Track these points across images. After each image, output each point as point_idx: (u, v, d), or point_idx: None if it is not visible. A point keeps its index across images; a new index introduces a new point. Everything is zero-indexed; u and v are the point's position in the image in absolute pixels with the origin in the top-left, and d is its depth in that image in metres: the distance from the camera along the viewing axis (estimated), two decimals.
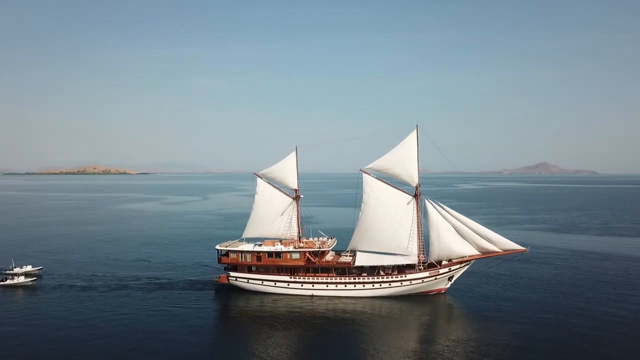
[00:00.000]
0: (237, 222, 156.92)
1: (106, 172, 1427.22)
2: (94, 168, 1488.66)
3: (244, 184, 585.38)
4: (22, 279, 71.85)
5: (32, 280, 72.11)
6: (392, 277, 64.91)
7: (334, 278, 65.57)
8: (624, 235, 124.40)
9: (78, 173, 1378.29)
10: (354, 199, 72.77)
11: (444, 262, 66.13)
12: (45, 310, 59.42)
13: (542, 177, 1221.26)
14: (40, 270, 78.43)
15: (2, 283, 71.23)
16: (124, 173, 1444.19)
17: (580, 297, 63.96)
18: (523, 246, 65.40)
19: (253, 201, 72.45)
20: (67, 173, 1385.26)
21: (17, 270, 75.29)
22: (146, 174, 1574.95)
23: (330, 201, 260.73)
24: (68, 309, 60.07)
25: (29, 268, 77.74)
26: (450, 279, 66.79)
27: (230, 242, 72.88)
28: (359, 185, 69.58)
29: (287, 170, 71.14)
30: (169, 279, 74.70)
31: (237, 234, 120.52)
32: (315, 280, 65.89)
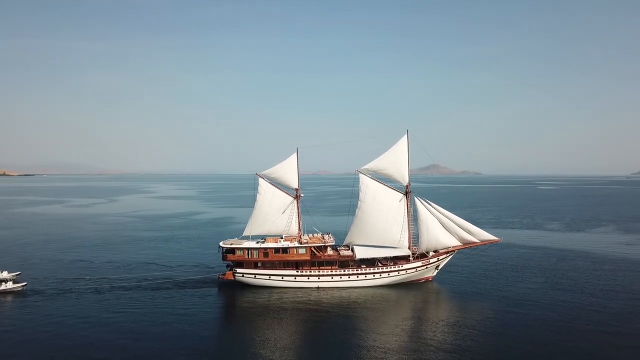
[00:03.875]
0: (164, 223, 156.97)
1: None
2: None
3: (149, 186, 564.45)
4: (10, 285, 68.53)
5: (22, 286, 69.04)
6: (389, 268, 71.70)
7: (337, 270, 70.94)
8: (514, 228, 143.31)
9: None
10: (343, 200, 78.52)
11: (431, 253, 74.28)
12: (56, 315, 58.03)
13: (434, 178, 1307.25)
14: (18, 276, 74.60)
15: None
16: (4, 174, 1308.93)
17: (502, 279, 76.27)
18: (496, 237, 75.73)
19: (255, 200, 75.37)
20: None
21: None
22: (31, 175, 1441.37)
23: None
24: (76, 312, 58.98)
25: (5, 274, 73.92)
26: (437, 267, 75.08)
27: (231, 240, 75.23)
28: (354, 184, 75.65)
29: (288, 170, 75.17)
30: (165, 278, 75.13)
31: (168, 235, 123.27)
32: (320, 273, 70.76)
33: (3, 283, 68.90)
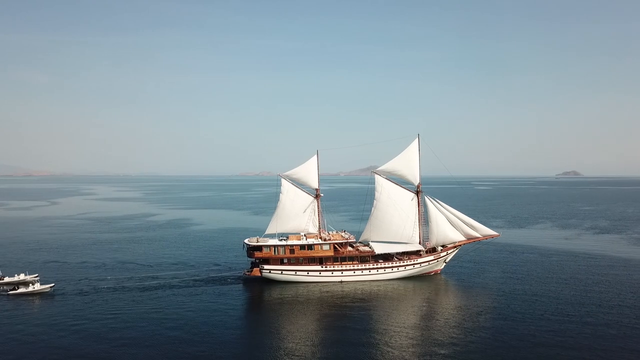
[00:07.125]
0: (121, 225, 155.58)
1: None
2: None
3: (88, 188, 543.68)
4: (38, 286, 68.04)
5: (50, 287, 68.66)
6: (405, 262, 77.37)
7: (358, 265, 75.76)
8: None
9: None
10: (355, 200, 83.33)
11: (439, 248, 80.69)
12: (93, 315, 58.62)
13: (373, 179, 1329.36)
14: (37, 278, 73.85)
15: (15, 292, 66.94)
16: None
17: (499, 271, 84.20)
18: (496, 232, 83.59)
19: (278, 199, 78.73)
20: None
21: (14, 278, 71.10)
22: None
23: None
24: (107, 312, 59.62)
25: (23, 276, 73.32)
26: (445, 261, 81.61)
27: (253, 238, 78.07)
28: (370, 185, 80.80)
29: (309, 172, 79.22)
30: (188, 277, 76.97)
31: (129, 237, 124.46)
32: (343, 268, 75.28)
33: (30, 285, 68.42)
